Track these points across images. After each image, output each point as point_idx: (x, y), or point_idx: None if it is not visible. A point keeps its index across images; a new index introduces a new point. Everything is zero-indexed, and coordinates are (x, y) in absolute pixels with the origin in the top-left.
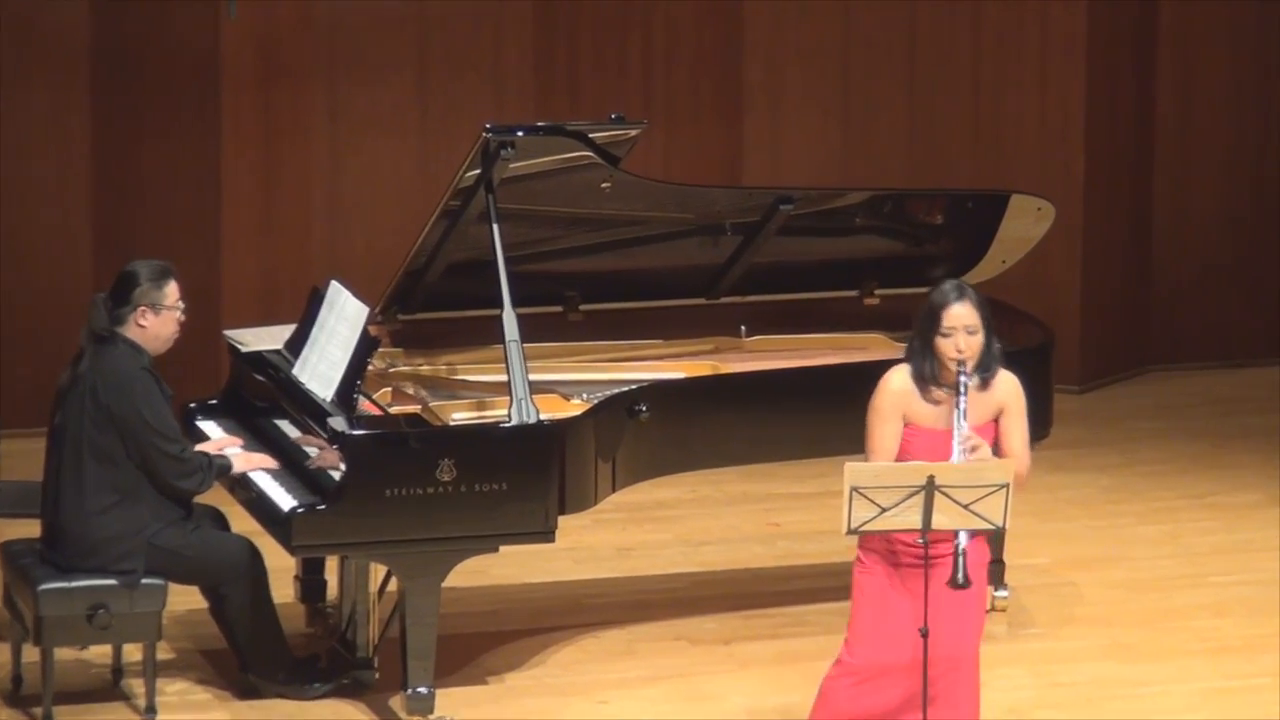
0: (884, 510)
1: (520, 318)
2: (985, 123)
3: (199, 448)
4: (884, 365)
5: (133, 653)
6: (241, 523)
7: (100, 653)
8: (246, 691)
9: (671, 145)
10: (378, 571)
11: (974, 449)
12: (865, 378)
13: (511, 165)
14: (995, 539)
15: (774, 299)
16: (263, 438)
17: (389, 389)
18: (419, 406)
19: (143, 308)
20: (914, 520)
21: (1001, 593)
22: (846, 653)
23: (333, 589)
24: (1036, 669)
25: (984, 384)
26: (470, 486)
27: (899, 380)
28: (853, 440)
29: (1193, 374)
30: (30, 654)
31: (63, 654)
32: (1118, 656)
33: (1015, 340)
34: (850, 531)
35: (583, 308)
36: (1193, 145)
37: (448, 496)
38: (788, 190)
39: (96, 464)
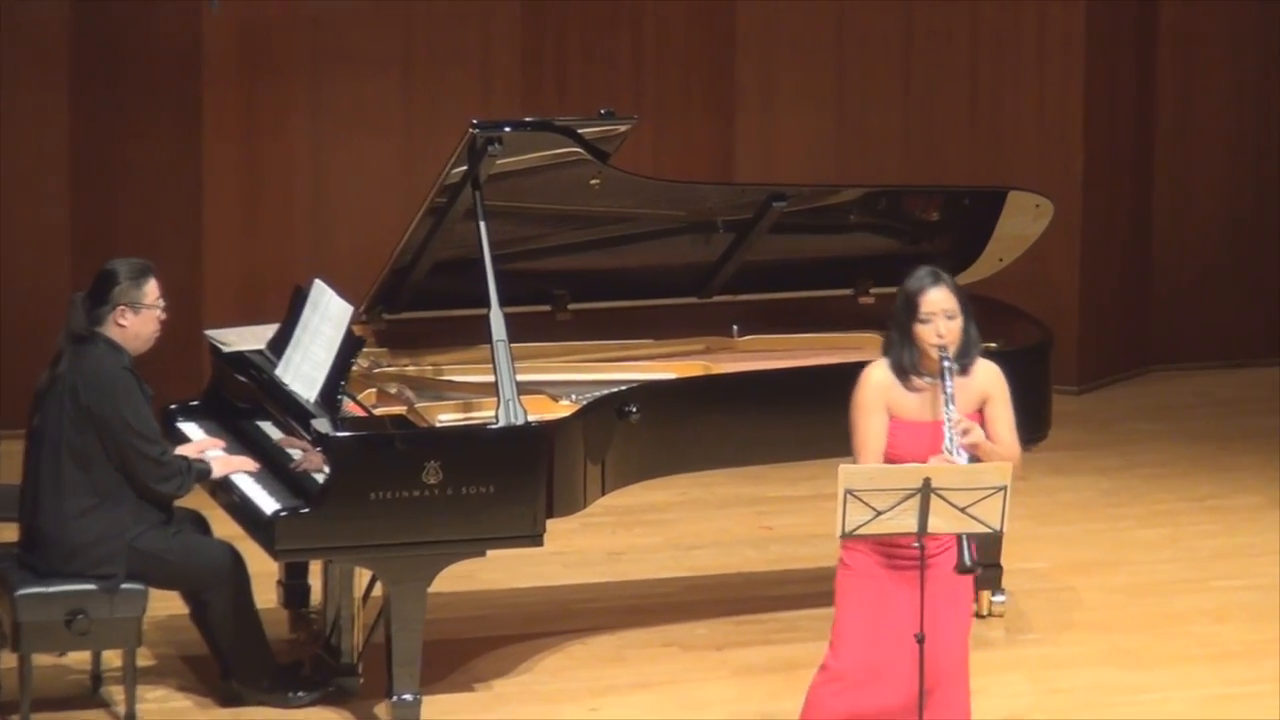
0: (879, 513)
1: (508, 317)
2: (983, 121)
3: (180, 449)
4: None
5: (112, 659)
6: (223, 526)
7: (79, 659)
8: (228, 699)
9: (662, 141)
10: (362, 576)
11: (966, 432)
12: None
13: (499, 161)
14: (993, 543)
15: (767, 298)
16: (245, 440)
17: (374, 390)
18: (404, 408)
19: (122, 306)
20: (910, 524)
21: (999, 597)
22: (831, 657)
23: (316, 594)
24: (1035, 675)
25: (964, 370)
26: (457, 489)
27: (879, 374)
28: (847, 442)
29: (1193, 374)
30: (8, 660)
31: (41, 660)
32: (1117, 662)
33: (1013, 340)
34: (845, 535)
35: (571, 307)
36: (1193, 145)
37: (434, 499)
38: (781, 187)
39: (76, 466)
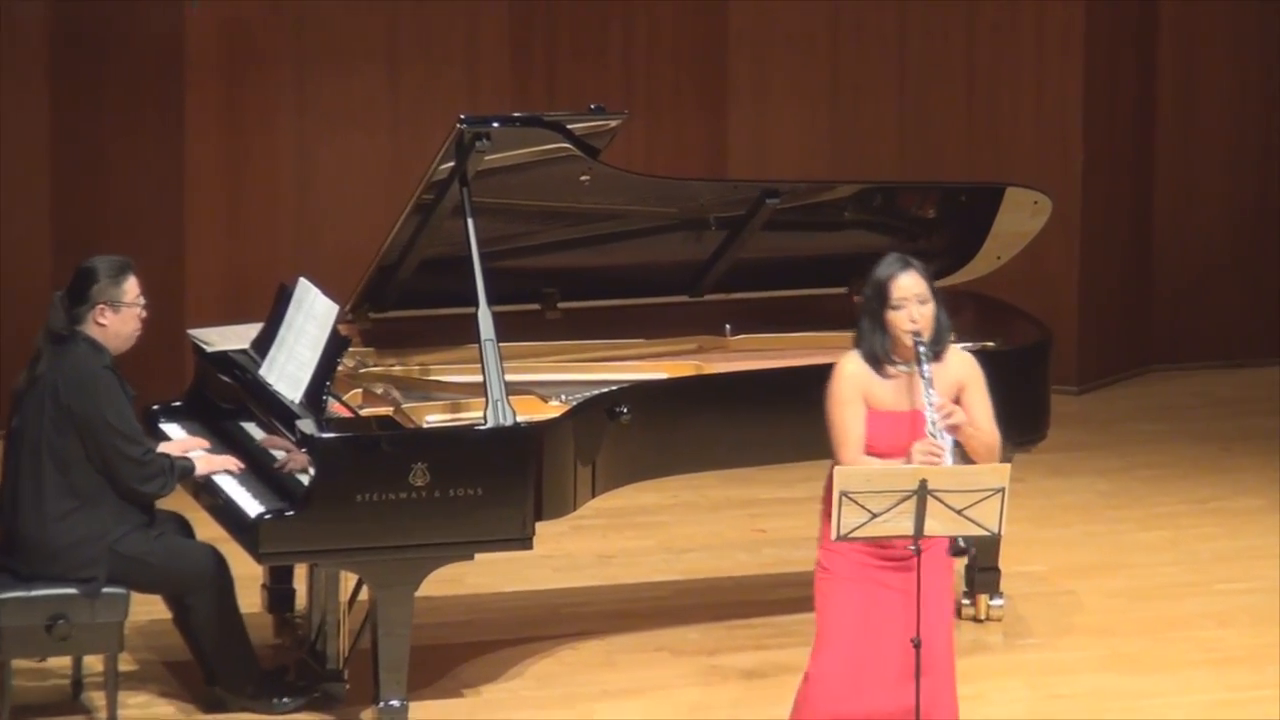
0: (875, 516)
1: (496, 316)
2: (979, 118)
3: (163, 448)
4: None
5: (94, 664)
6: (206, 529)
7: (60, 664)
8: (212, 705)
9: (653, 137)
10: (348, 580)
11: (949, 415)
12: None
13: (487, 157)
14: (990, 545)
15: (760, 296)
16: (228, 440)
17: (360, 390)
18: (391, 408)
19: (101, 305)
20: (906, 526)
21: (997, 601)
22: (813, 664)
23: (301, 598)
24: (1034, 680)
25: (937, 356)
26: (444, 491)
27: (853, 365)
28: None
29: (1193, 374)
30: None
31: (21, 665)
32: (1118, 667)
33: (1012, 339)
34: (839, 538)
35: (561, 305)
36: (1194, 144)
37: (421, 502)
38: (774, 183)
39: (55, 468)
